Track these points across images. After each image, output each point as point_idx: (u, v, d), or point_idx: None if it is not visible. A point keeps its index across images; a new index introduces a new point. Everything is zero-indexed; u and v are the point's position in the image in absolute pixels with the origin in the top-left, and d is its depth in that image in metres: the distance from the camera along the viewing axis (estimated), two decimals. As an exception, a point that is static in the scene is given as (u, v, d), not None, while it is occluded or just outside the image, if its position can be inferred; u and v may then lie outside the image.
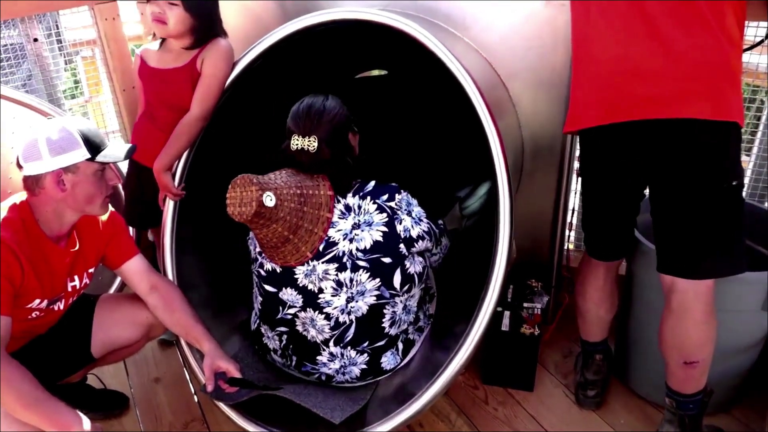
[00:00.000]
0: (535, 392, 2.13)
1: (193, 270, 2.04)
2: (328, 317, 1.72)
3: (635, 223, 1.83)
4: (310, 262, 1.66)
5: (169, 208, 1.97)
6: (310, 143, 1.60)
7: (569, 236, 2.32)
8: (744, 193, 1.63)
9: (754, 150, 2.32)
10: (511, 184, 1.60)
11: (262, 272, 1.76)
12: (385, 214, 1.66)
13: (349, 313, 1.71)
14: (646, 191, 1.71)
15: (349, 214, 1.66)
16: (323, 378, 1.81)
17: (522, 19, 1.95)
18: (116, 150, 1.63)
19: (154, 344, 2.37)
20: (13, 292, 1.51)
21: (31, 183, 1.57)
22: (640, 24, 1.50)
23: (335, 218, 1.65)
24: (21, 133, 1.65)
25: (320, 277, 1.67)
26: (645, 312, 1.96)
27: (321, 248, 1.65)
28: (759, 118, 2.31)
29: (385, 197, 1.68)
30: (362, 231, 1.65)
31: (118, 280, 2.38)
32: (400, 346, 1.82)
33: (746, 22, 1.55)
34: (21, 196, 1.61)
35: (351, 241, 1.65)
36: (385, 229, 1.66)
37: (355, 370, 1.78)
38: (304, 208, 1.60)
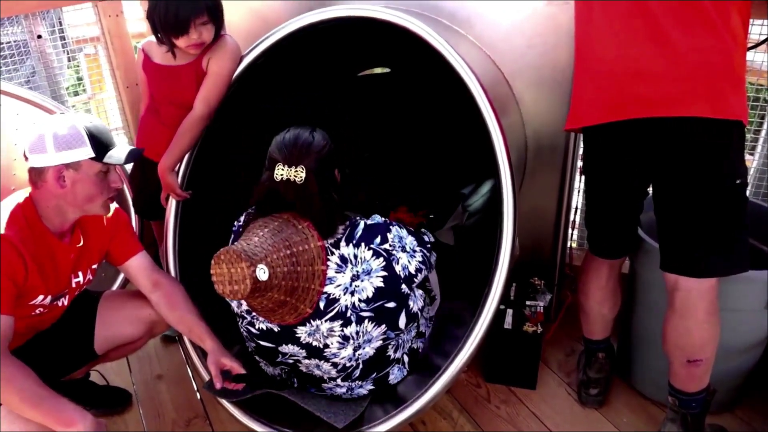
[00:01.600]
0: (537, 390, 2.13)
1: (198, 271, 2.04)
2: (334, 365, 1.67)
3: (638, 221, 1.82)
4: (312, 321, 1.57)
5: (172, 205, 1.97)
6: (298, 174, 1.48)
7: (572, 234, 2.32)
8: (747, 192, 1.62)
9: (758, 149, 2.32)
10: (515, 182, 1.59)
11: (254, 330, 1.67)
12: (381, 259, 1.58)
13: (356, 360, 1.67)
14: (650, 189, 1.71)
15: (346, 266, 1.56)
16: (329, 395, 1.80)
17: (524, 17, 1.95)
18: (122, 152, 1.61)
19: (157, 341, 2.38)
20: (16, 292, 1.52)
21: (35, 176, 1.57)
22: (641, 24, 1.50)
23: (332, 273, 1.55)
24: (31, 126, 1.65)
25: (325, 334, 1.59)
26: (648, 310, 1.96)
27: (322, 306, 1.56)
28: (763, 117, 2.31)
29: (378, 240, 1.59)
30: (362, 281, 1.56)
31: (122, 276, 2.38)
32: (405, 359, 1.80)
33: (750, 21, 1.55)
34: (24, 192, 1.61)
35: (352, 293, 1.56)
36: (384, 273, 1.58)
37: (363, 392, 1.77)
38: (297, 268, 1.48)
